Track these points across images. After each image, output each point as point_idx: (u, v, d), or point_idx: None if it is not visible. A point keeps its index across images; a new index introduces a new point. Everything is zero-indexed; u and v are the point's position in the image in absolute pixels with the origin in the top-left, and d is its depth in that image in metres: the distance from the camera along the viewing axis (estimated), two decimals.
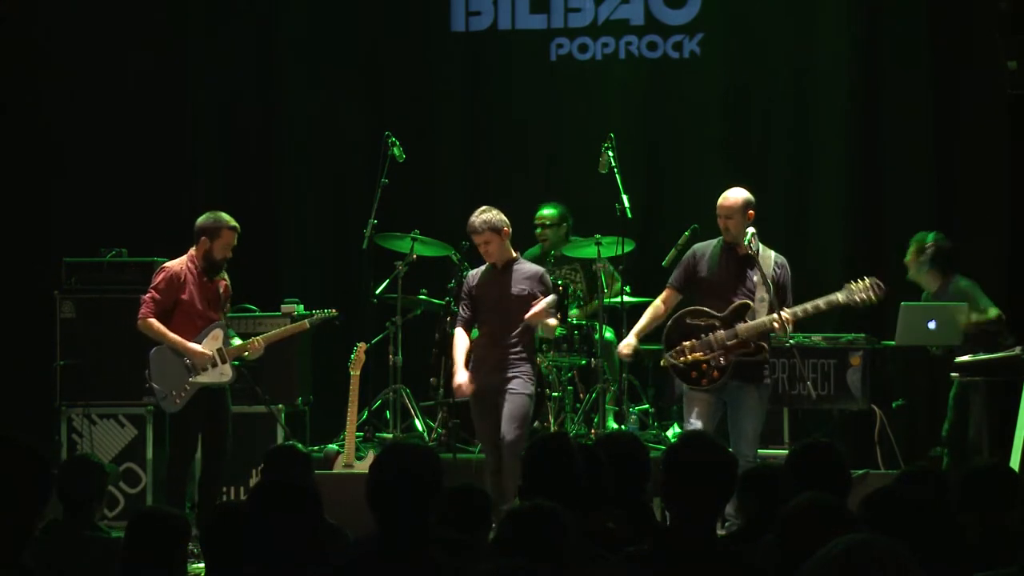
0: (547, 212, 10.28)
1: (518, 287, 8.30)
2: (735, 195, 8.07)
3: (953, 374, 8.90)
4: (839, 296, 7.98)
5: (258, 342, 8.46)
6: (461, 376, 8.25)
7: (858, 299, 7.96)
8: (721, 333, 7.94)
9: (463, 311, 8.46)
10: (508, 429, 8.15)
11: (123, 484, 9.46)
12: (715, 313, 7.99)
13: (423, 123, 11.15)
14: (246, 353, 8.48)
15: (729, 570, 4.04)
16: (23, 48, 11.14)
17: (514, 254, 8.43)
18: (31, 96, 11.12)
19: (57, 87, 11.05)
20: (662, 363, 8.11)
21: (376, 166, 9.73)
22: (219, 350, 8.35)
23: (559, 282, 9.87)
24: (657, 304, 8.24)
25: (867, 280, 7.96)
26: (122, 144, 11.00)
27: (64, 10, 11.09)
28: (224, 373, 8.37)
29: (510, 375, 8.21)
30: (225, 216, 8.43)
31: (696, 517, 4.06)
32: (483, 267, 8.48)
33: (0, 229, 10.91)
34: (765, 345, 7.98)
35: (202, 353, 8.31)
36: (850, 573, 2.73)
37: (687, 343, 7.98)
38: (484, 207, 8.36)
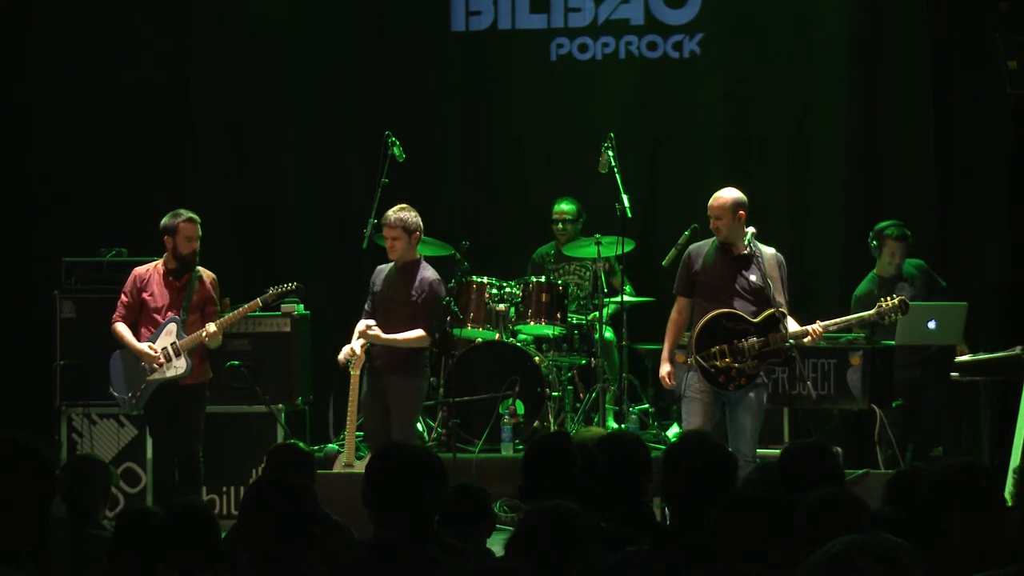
0: (567, 208, 10.29)
1: (410, 292, 8.48)
2: (725, 195, 8.08)
3: (953, 374, 8.90)
4: (871, 313, 8.21)
5: (211, 327, 8.40)
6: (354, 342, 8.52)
7: (886, 320, 8.31)
8: (753, 340, 7.93)
9: (367, 306, 8.66)
10: (397, 429, 8.39)
11: (123, 484, 9.46)
12: (750, 319, 7.96)
13: (423, 123, 11.14)
14: (204, 341, 8.41)
15: (729, 569, 4.04)
16: (22, 46, 11.14)
17: (417, 257, 8.55)
18: (30, 95, 11.11)
19: (57, 86, 11.04)
20: (689, 361, 8.00)
21: (376, 166, 9.73)
22: (172, 344, 8.35)
23: (559, 281, 9.88)
24: (675, 318, 8.20)
25: (896, 300, 8.14)
26: (122, 144, 11.00)
27: (64, 8, 11.08)
28: (177, 367, 8.35)
29: (397, 373, 8.42)
30: (182, 211, 8.47)
31: (696, 517, 4.07)
32: (388, 265, 8.63)
33: (0, 229, 10.91)
34: (796, 356, 8.05)
35: (147, 352, 8.32)
36: (849, 572, 2.71)
37: (717, 348, 7.93)
38: (404, 205, 8.51)
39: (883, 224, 9.57)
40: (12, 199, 11.00)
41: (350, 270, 10.33)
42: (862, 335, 9.32)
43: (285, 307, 9.60)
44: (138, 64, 11.07)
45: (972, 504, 3.97)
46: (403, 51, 11.26)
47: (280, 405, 9.55)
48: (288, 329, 9.54)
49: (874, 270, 9.57)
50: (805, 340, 8.06)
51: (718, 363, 7.92)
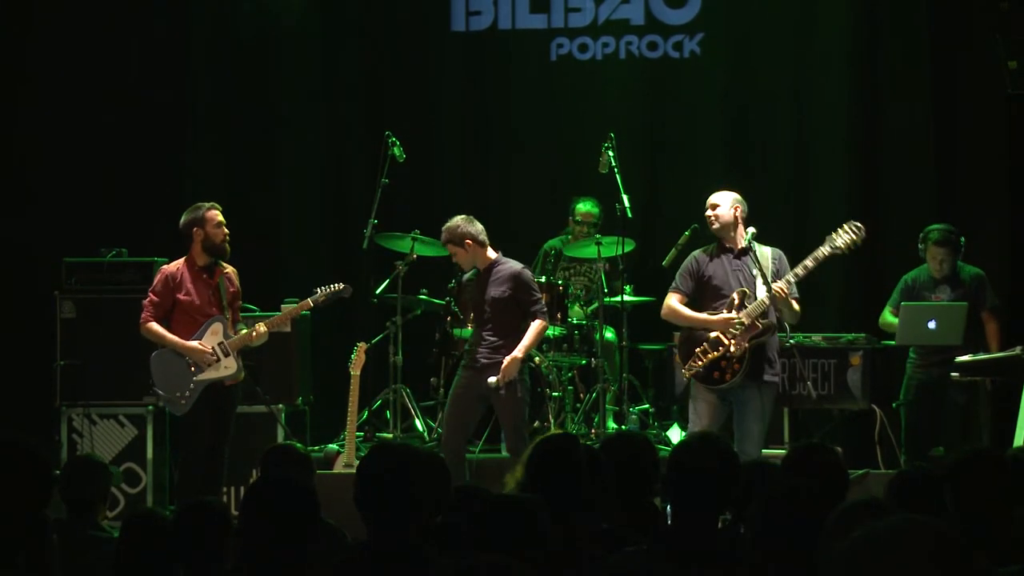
0: (595, 211, 10.23)
1: (498, 290, 8.48)
2: (722, 192, 8.26)
3: (953, 374, 8.89)
4: (824, 249, 8.06)
5: (261, 328, 8.41)
6: None
7: (841, 244, 8.08)
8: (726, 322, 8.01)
9: (463, 314, 8.79)
10: (511, 439, 8.47)
11: (124, 484, 9.45)
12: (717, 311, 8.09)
13: (423, 123, 11.14)
14: (252, 340, 8.41)
15: (729, 570, 4.03)
16: (22, 46, 11.14)
17: (492, 256, 8.58)
18: (30, 95, 11.11)
19: (57, 87, 11.04)
20: (685, 376, 8.20)
21: (376, 166, 9.73)
22: (220, 344, 8.31)
23: (559, 282, 9.87)
24: (680, 303, 8.27)
25: (845, 225, 8.08)
26: (122, 144, 11.00)
27: (64, 9, 11.08)
28: (228, 367, 8.31)
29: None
30: (200, 203, 8.44)
31: (698, 517, 4.07)
32: (472, 271, 8.71)
33: (0, 229, 10.90)
34: (772, 322, 8.04)
35: (201, 350, 8.26)
36: (904, 548, 2.55)
37: (700, 349, 8.05)
38: (458, 217, 8.59)
39: (930, 227, 9.33)
40: (12, 199, 10.99)
41: (350, 270, 10.33)
42: (862, 336, 9.32)
43: (285, 307, 9.58)
44: (138, 64, 11.07)
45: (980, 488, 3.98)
46: (403, 51, 11.26)
47: (280, 405, 9.55)
48: (288, 329, 9.53)
49: (926, 264, 9.45)
50: (774, 298, 7.95)
51: (705, 360, 8.00)
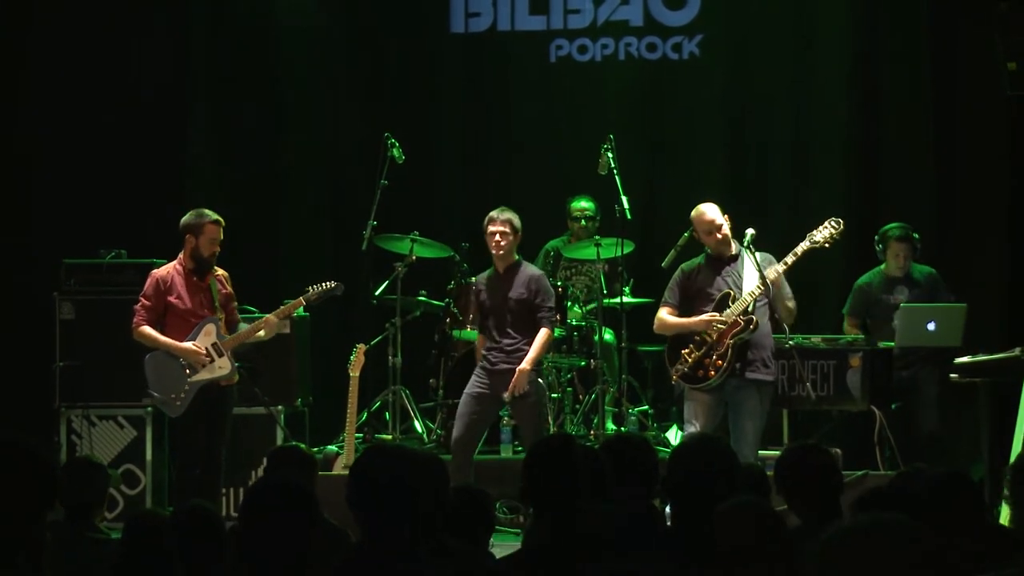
0: (588, 205, 10.23)
1: (518, 291, 8.52)
2: (710, 208, 8.35)
3: (953, 375, 8.89)
4: (803, 244, 8.20)
5: (271, 317, 8.42)
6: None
7: (820, 238, 8.26)
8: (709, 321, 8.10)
9: (482, 322, 8.73)
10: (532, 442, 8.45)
11: (123, 486, 9.45)
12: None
13: (423, 123, 11.14)
14: (260, 333, 8.43)
15: (729, 570, 4.04)
16: (21, 46, 11.14)
17: (516, 258, 8.60)
18: (29, 95, 11.11)
19: (56, 87, 11.04)
20: (673, 380, 8.32)
21: (376, 167, 9.72)
22: (214, 344, 8.31)
23: (558, 283, 9.87)
24: (670, 314, 8.36)
25: (825, 222, 8.24)
26: (121, 145, 10.99)
27: (64, 9, 11.08)
28: (222, 367, 8.31)
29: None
30: (207, 211, 8.41)
31: (698, 517, 4.07)
32: (485, 273, 8.72)
33: (0, 229, 10.90)
34: (754, 318, 8.07)
35: (194, 351, 8.26)
36: (867, 546, 2.64)
37: (685, 351, 8.14)
38: (505, 207, 8.65)
39: (888, 226, 9.54)
40: (12, 200, 10.99)
41: (350, 271, 10.33)
42: (862, 337, 9.32)
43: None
44: (138, 64, 11.07)
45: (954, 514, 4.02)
46: (403, 52, 11.26)
47: (280, 407, 9.54)
48: (288, 331, 9.53)
49: (882, 266, 9.55)
50: (756, 295, 8.06)
51: (690, 360, 8.09)
